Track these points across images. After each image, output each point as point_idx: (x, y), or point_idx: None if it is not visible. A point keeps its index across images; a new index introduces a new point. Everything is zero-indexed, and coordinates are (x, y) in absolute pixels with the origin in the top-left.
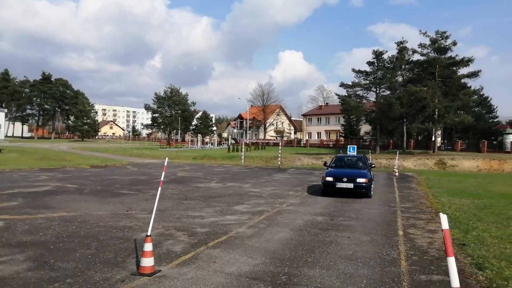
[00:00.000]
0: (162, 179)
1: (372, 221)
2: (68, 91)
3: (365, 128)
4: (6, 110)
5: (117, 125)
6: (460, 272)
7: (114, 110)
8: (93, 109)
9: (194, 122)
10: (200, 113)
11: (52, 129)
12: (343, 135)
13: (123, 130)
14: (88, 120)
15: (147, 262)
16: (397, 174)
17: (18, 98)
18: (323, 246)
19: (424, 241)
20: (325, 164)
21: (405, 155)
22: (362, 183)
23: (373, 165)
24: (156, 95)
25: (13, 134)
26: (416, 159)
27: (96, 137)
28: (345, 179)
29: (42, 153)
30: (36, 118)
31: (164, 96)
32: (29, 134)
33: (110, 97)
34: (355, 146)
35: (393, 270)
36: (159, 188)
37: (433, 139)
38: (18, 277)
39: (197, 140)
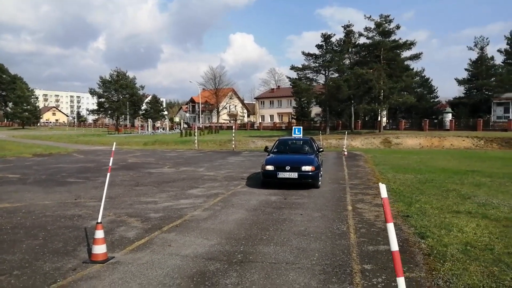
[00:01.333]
0: (110, 164)
1: (323, 198)
2: (4, 76)
3: (315, 110)
4: None
5: (60, 111)
6: (405, 241)
7: (57, 96)
8: (33, 95)
9: (144, 106)
10: (149, 97)
11: None
12: (295, 117)
13: (67, 116)
14: (28, 107)
15: (99, 249)
16: (346, 153)
17: None
18: (277, 224)
19: (371, 214)
20: (266, 149)
21: (353, 135)
22: (308, 171)
23: (321, 149)
24: (101, 79)
25: None
26: (363, 139)
27: (38, 124)
28: (288, 168)
29: None
30: None
31: (110, 80)
32: None
33: (51, 82)
34: (301, 127)
35: (343, 242)
36: (108, 174)
37: (379, 119)
38: None
39: (148, 125)
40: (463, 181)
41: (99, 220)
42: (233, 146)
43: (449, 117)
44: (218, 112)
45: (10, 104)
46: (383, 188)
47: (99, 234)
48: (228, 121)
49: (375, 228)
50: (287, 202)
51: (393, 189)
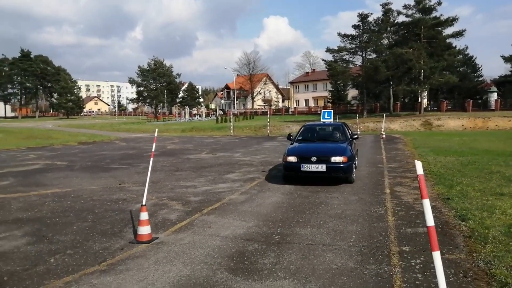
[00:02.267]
0: (153, 150)
1: (360, 182)
2: (49, 68)
3: (352, 93)
4: None
5: (102, 100)
6: (445, 223)
7: (98, 86)
8: (76, 85)
9: (181, 94)
10: (186, 85)
11: (36, 107)
12: (330, 101)
13: (109, 105)
14: (72, 97)
15: (144, 230)
16: (384, 136)
17: None
18: (313, 207)
19: (410, 197)
20: (289, 137)
21: (392, 118)
22: (339, 163)
23: (356, 136)
24: (139, 68)
25: None
26: (402, 121)
27: (82, 114)
28: (314, 159)
29: (28, 132)
30: (19, 97)
31: (148, 68)
32: (12, 114)
33: (92, 72)
34: (331, 110)
35: (381, 225)
36: (151, 160)
37: (419, 100)
38: (18, 251)
39: (185, 113)
40: (508, 163)
41: (143, 203)
42: (268, 131)
43: (494, 96)
44: (252, 98)
45: (55, 95)
46: (418, 165)
47: (144, 216)
48: (262, 107)
49: (413, 211)
50: (323, 186)
51: (434, 172)
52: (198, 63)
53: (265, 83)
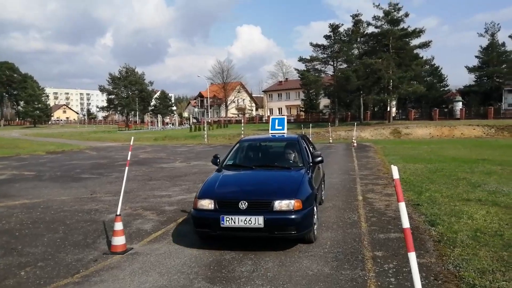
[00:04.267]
0: (128, 158)
1: (333, 189)
2: (15, 75)
3: (324, 101)
4: None
5: (70, 108)
6: (415, 229)
7: (67, 93)
8: (44, 93)
9: (153, 102)
10: (158, 93)
11: (1, 116)
12: (303, 109)
13: (78, 113)
14: (40, 105)
15: (119, 240)
16: (355, 144)
17: None
18: None
19: (382, 204)
20: (215, 160)
21: (362, 126)
22: (288, 213)
23: (320, 158)
24: (110, 76)
25: None
26: (372, 129)
27: (50, 122)
28: (244, 205)
29: None
30: None
31: (119, 76)
32: None
33: (61, 79)
34: (284, 117)
35: (354, 231)
36: (126, 168)
37: (388, 109)
38: None
39: (157, 121)
40: (473, 170)
41: (118, 213)
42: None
43: (459, 106)
44: (226, 106)
45: (22, 103)
46: (395, 170)
47: (118, 226)
48: (236, 115)
49: (385, 217)
50: None
51: (403, 179)
52: (171, 70)
53: (239, 92)
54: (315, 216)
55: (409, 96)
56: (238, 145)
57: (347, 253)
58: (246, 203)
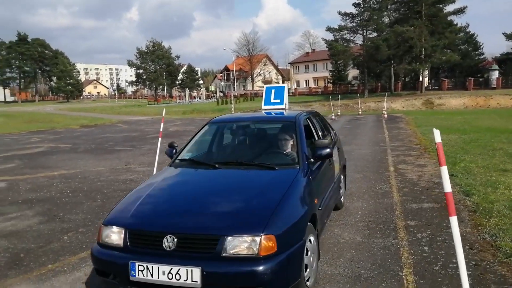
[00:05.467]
0: (161, 130)
1: (364, 160)
2: (47, 51)
3: (353, 72)
4: None
5: (101, 83)
6: None
7: (97, 69)
8: (74, 69)
9: (180, 76)
10: (185, 67)
11: (35, 91)
12: (331, 81)
13: (108, 88)
14: (71, 80)
15: None
16: (386, 116)
17: None
18: None
19: (414, 174)
20: (171, 151)
21: (393, 97)
22: (243, 260)
23: (324, 151)
24: (138, 50)
25: None
26: (404, 100)
27: (81, 97)
28: (170, 242)
29: (29, 116)
30: (17, 81)
31: (146, 51)
32: (12, 98)
33: (89, 55)
34: (284, 86)
35: (386, 201)
36: (159, 139)
37: (420, 79)
38: (31, 230)
39: (185, 95)
40: (510, 140)
41: None
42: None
43: (495, 74)
44: (252, 79)
45: (54, 79)
46: (437, 133)
47: None
48: (262, 88)
49: (418, 187)
50: None
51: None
52: (196, 44)
53: (264, 64)
54: (311, 257)
55: (442, 66)
56: (206, 128)
57: (379, 222)
58: (175, 240)
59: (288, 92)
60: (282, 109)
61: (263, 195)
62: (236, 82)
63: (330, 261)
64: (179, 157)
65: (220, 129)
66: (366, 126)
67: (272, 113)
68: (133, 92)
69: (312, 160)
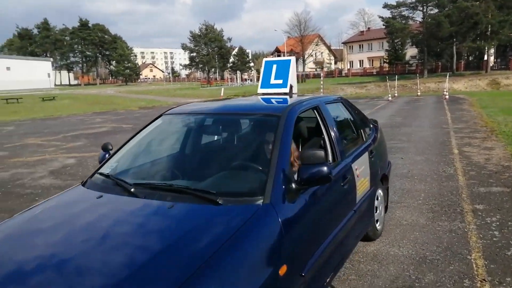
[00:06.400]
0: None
1: (425, 142)
2: (106, 36)
3: (411, 52)
4: (51, 59)
5: (156, 67)
6: None
7: (152, 53)
8: (132, 53)
9: (231, 59)
10: (236, 49)
11: (96, 75)
12: (387, 61)
13: (163, 72)
14: (129, 64)
15: None
16: (447, 97)
17: (60, 46)
18: None
19: (481, 157)
20: (103, 156)
21: (455, 77)
22: None
23: (319, 171)
24: (191, 34)
25: (61, 83)
26: (467, 81)
27: (139, 81)
28: None
29: (92, 98)
30: (80, 65)
31: (199, 34)
32: (75, 82)
33: (145, 39)
34: (290, 59)
35: (451, 184)
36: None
37: (485, 58)
38: None
39: (236, 77)
40: None
41: None
42: (321, 94)
43: None
44: (304, 61)
45: (113, 63)
46: None
47: None
48: (314, 69)
49: (486, 171)
50: None
51: (505, 132)
52: (247, 26)
53: (316, 45)
54: None
55: (510, 43)
56: (157, 122)
57: (444, 205)
58: None
59: (340, 74)
60: (285, 93)
61: (158, 272)
62: None
63: (392, 242)
64: (102, 170)
65: (173, 125)
66: (426, 107)
67: (260, 101)
68: (186, 75)
69: (294, 187)
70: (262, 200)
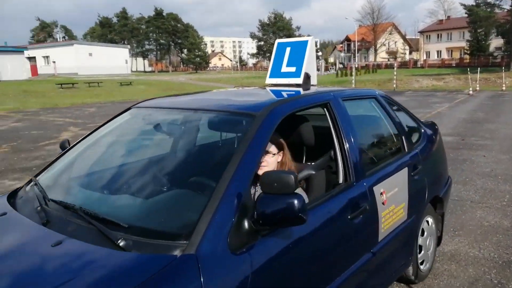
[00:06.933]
0: None
1: (511, 140)
2: (179, 25)
3: (495, 42)
4: (128, 47)
5: (225, 56)
6: None
7: (221, 42)
8: (202, 42)
9: None
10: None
11: (169, 62)
12: (468, 52)
13: (231, 60)
14: (200, 53)
15: None
16: None
17: (137, 34)
18: (456, 163)
19: None
20: (60, 152)
21: None
22: None
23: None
24: (260, 22)
25: (136, 69)
26: None
27: (208, 69)
28: None
29: (165, 84)
30: (154, 53)
31: (268, 22)
32: (149, 68)
33: (215, 28)
34: (308, 40)
35: None
36: None
37: None
38: None
39: None
40: None
41: None
42: (394, 85)
43: None
44: (375, 50)
45: (185, 51)
46: None
47: None
48: (387, 59)
49: None
50: (466, 143)
51: None
52: (316, 14)
53: (390, 33)
54: None
55: None
56: (125, 117)
57: None
58: None
59: (416, 64)
60: (297, 85)
61: None
62: (357, 53)
63: (472, 243)
64: (42, 176)
65: (135, 123)
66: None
67: (241, 95)
68: (253, 64)
69: (247, 227)
70: (184, 248)
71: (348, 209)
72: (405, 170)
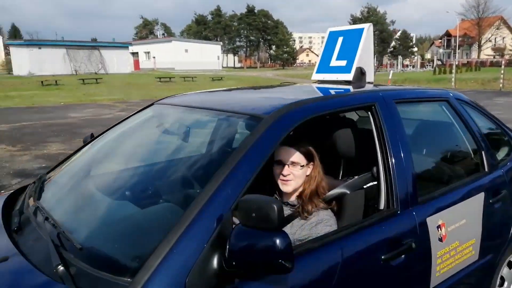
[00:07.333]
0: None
1: None
2: (269, 22)
3: None
4: (221, 43)
5: (312, 52)
6: None
7: (310, 37)
8: (291, 38)
9: (392, 43)
10: (398, 33)
11: (257, 58)
12: None
13: (318, 56)
14: (288, 49)
15: None
16: None
17: (229, 31)
18: None
19: None
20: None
21: None
22: None
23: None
24: (352, 17)
25: (227, 65)
26: None
27: (295, 65)
28: None
29: (254, 80)
30: (244, 49)
31: (360, 17)
32: (239, 65)
33: (306, 24)
34: (364, 28)
35: None
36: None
37: None
38: None
39: (397, 63)
40: None
41: None
42: (501, 85)
43: None
44: (479, 46)
45: (273, 47)
46: None
47: None
48: (492, 57)
49: None
50: None
51: None
52: (414, 8)
53: (497, 28)
54: None
55: None
56: (146, 114)
57: None
58: None
59: None
60: (347, 82)
61: None
62: (458, 49)
63: None
64: (52, 173)
65: (155, 121)
66: None
67: (264, 94)
68: None
69: (216, 266)
70: None
71: (383, 246)
72: (481, 195)
